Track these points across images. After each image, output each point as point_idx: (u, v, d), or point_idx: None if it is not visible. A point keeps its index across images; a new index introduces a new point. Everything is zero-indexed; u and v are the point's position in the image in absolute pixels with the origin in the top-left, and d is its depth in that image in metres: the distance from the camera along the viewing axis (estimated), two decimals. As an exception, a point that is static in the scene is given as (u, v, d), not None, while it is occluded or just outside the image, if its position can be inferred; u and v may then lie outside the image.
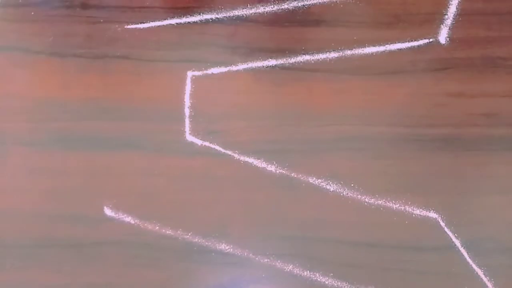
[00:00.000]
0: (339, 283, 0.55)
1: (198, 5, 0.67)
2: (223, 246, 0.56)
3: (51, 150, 0.60)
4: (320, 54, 0.66)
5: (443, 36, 0.66)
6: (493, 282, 0.54)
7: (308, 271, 0.55)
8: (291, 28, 0.67)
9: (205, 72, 0.65)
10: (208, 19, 0.68)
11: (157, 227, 0.57)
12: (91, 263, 0.55)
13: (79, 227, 0.57)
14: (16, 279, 0.55)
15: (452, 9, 0.66)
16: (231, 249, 0.56)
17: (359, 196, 0.58)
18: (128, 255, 0.56)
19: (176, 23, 0.68)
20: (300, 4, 0.66)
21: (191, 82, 0.65)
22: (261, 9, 0.66)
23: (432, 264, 0.55)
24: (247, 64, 0.65)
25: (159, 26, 0.68)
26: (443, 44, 0.66)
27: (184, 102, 0.64)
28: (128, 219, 0.57)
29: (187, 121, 0.62)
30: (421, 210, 0.58)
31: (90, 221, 0.57)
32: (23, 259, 0.55)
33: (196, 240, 0.56)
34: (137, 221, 0.57)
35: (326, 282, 0.55)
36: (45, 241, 0.56)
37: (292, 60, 0.66)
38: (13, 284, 0.54)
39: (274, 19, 0.67)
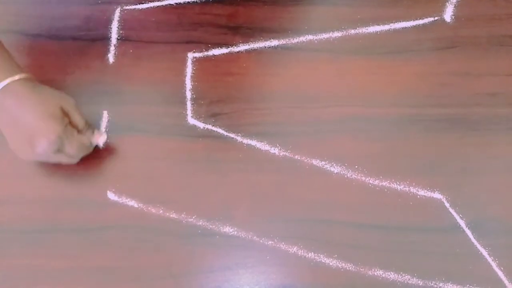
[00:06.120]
0: (344, 264, 0.55)
1: (198, -16, 0.66)
2: (227, 229, 0.56)
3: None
4: (323, 34, 0.65)
5: (448, 14, 0.65)
6: (497, 262, 0.55)
7: (312, 253, 0.55)
8: (293, 7, 0.66)
9: (206, 53, 0.64)
10: (208, -1, 0.67)
11: (161, 211, 0.57)
12: (96, 247, 0.55)
13: (83, 212, 0.57)
14: (22, 264, 0.55)
15: (457, -14, 0.65)
16: (236, 232, 0.56)
17: (363, 178, 0.58)
18: (132, 239, 0.56)
19: (176, 3, 0.67)
20: (302, -18, 0.65)
21: (191, 64, 0.64)
22: (262, -12, 0.65)
23: (436, 245, 0.55)
24: (249, 45, 0.64)
25: (158, 6, 0.67)
26: (449, 22, 0.65)
27: (185, 84, 0.63)
28: (132, 203, 0.57)
29: (188, 104, 0.62)
30: (425, 191, 0.58)
31: (94, 205, 0.57)
32: (28, 244, 0.55)
33: (200, 223, 0.56)
34: (140, 205, 0.57)
35: (331, 264, 0.55)
36: (49, 226, 0.56)
37: (295, 40, 0.65)
38: (19, 269, 0.55)
39: (275, -2, 0.66)
